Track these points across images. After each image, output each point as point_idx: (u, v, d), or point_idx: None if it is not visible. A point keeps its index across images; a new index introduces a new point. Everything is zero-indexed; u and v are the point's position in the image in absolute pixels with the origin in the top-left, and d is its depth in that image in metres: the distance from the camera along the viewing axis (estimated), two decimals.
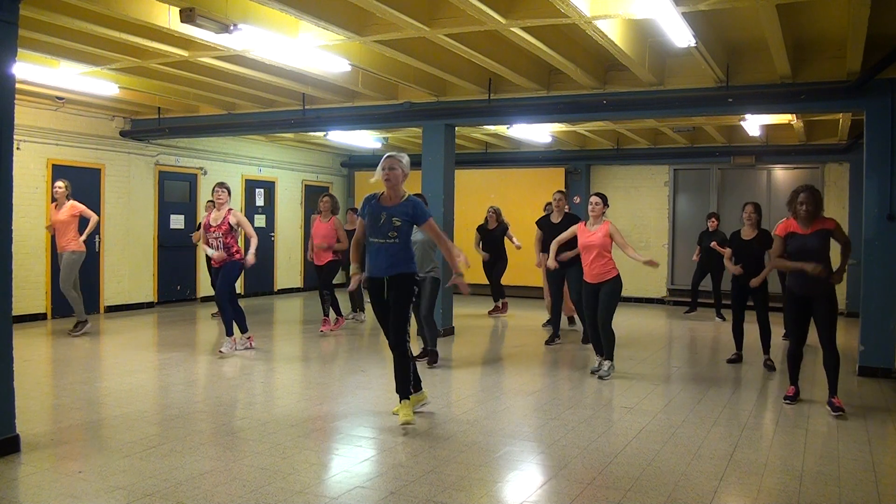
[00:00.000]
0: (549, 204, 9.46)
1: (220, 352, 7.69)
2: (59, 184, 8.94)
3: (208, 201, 9.64)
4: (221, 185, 7.85)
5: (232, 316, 7.82)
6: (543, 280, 9.83)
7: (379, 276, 5.20)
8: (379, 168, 5.17)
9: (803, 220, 5.67)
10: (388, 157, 5.18)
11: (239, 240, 8.11)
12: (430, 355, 7.32)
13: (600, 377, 6.73)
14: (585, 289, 6.95)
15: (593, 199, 6.90)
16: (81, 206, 8.94)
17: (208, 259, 8.52)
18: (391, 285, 5.18)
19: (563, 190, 9.96)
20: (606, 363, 6.80)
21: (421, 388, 5.57)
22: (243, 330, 8.02)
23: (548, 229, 8.64)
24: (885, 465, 4.60)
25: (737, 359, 7.82)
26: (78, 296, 8.93)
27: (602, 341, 6.86)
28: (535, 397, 6.28)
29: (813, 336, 5.86)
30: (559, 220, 8.62)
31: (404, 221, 5.13)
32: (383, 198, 5.21)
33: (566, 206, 8.89)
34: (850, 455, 4.69)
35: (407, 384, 5.24)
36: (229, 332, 7.84)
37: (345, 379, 6.82)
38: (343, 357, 8.16)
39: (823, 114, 10.00)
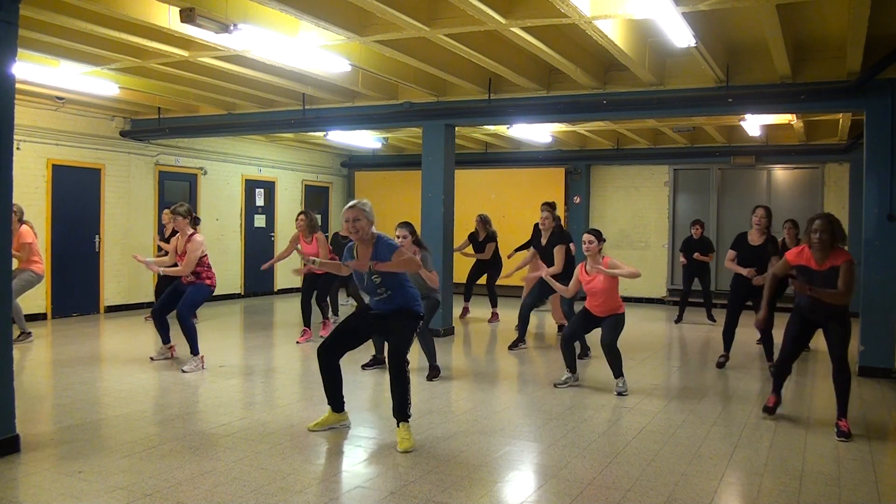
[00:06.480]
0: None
1: (183, 370, 7.00)
2: None
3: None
4: (175, 210, 7.18)
5: (195, 334, 7.17)
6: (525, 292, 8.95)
7: (379, 310, 5.02)
8: (342, 220, 4.84)
9: (818, 252, 5.20)
10: (350, 207, 4.80)
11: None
12: (432, 370, 6.95)
13: (619, 394, 6.31)
14: (584, 313, 6.54)
15: (586, 237, 6.41)
16: (31, 239, 8.24)
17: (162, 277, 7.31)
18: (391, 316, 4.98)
19: (552, 202, 8.76)
20: (620, 380, 6.42)
21: (343, 410, 5.18)
22: (165, 341, 7.44)
23: (539, 250, 8.06)
24: (885, 465, 4.61)
25: (724, 361, 7.63)
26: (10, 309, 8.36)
27: (609, 362, 6.45)
28: (535, 397, 6.28)
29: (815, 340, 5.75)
30: (546, 241, 7.94)
31: (383, 275, 4.83)
32: (359, 254, 4.89)
33: (567, 216, 8.31)
34: (850, 455, 4.69)
35: (405, 405, 4.78)
36: (194, 351, 7.18)
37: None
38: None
39: (823, 114, 9.99)
